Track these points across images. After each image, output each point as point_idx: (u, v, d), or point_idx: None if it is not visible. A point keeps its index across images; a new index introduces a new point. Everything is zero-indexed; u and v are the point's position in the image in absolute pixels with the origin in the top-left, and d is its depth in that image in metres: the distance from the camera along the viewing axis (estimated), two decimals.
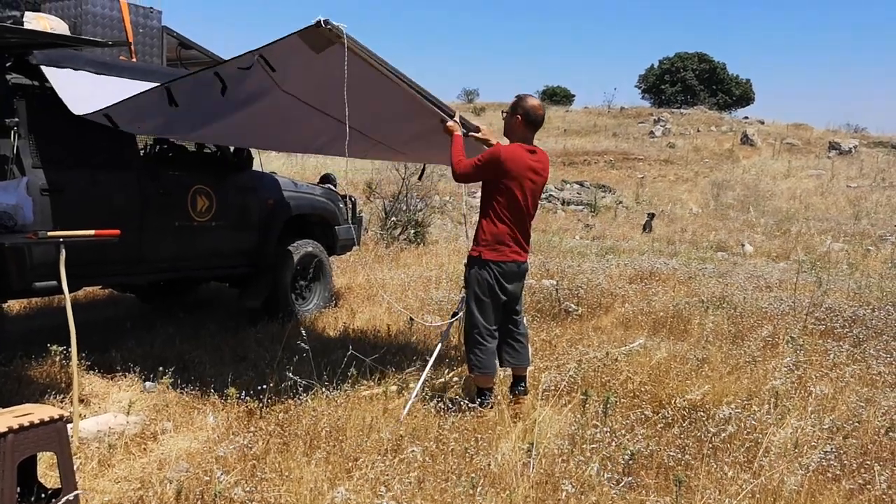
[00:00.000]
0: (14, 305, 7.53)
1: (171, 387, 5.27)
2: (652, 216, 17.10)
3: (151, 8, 6.38)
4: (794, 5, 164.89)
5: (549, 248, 12.37)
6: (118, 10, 6.10)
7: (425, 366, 5.67)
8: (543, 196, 16.84)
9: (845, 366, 5.95)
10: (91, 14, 5.90)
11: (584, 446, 4.29)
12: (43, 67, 5.38)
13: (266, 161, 17.56)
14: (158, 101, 4.93)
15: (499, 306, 5.06)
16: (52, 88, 5.44)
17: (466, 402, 4.92)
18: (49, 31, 5.51)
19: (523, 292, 5.41)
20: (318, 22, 4.17)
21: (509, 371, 5.41)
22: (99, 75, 5.63)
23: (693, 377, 5.62)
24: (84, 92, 5.38)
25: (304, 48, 4.42)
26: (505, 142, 5.07)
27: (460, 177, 5.01)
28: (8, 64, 5.40)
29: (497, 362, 5.17)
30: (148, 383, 5.46)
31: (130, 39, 6.18)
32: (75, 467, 3.79)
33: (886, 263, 12.33)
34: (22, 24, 5.22)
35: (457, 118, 5.24)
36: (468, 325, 5.09)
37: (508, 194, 4.88)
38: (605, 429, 4.57)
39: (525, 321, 5.57)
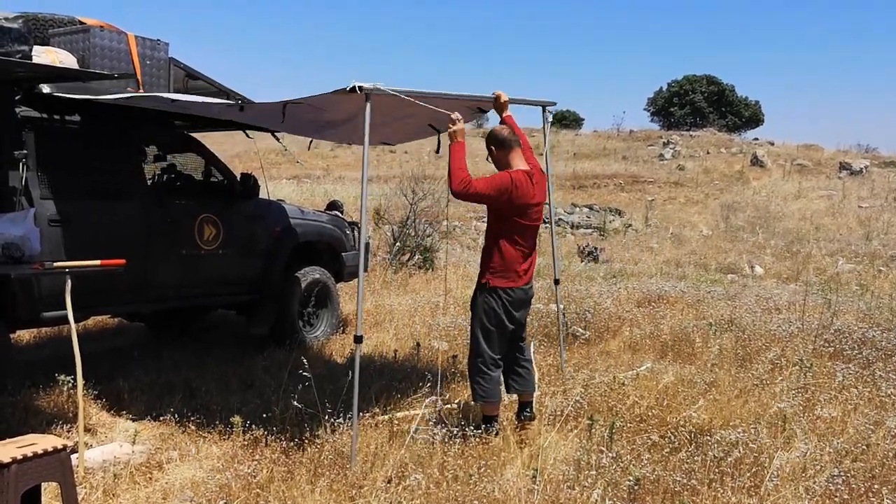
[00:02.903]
0: (23, 335, 7.58)
1: (177, 415, 5.29)
2: (596, 249, 15.19)
3: (158, 40, 6.46)
4: (801, 27, 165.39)
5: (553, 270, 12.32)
6: (125, 42, 6.18)
7: (431, 392, 5.68)
8: (554, 219, 16.81)
9: (854, 388, 5.91)
10: (99, 47, 5.98)
11: (590, 472, 4.28)
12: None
13: (276, 188, 17.69)
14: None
15: (505, 335, 5.03)
16: (60, 120, 5.53)
17: (471, 429, 4.91)
18: (58, 64, 5.61)
19: (525, 319, 5.38)
20: (354, 87, 4.47)
21: (514, 396, 5.39)
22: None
23: (700, 401, 5.59)
24: None
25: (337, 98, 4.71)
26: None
27: (462, 195, 4.81)
28: (17, 97, 5.49)
29: (502, 389, 5.16)
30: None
31: (138, 71, 6.26)
32: (80, 497, 3.81)
33: None
34: (31, 57, 5.31)
35: (456, 116, 4.96)
36: (473, 354, 5.07)
37: (517, 220, 4.89)
38: (610, 454, 4.56)
39: (531, 347, 5.56)
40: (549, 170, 6.77)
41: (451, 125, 4.92)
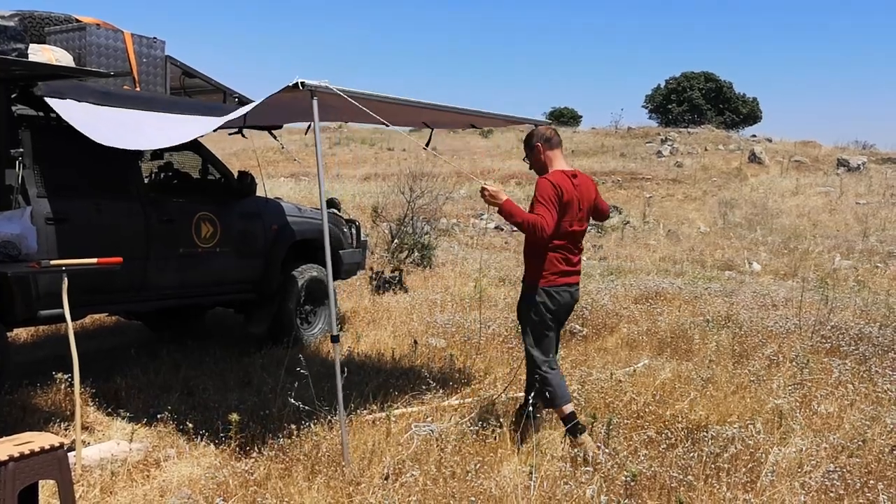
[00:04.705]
0: (21, 334, 7.59)
1: (174, 413, 5.29)
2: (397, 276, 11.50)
3: (155, 38, 6.45)
4: (799, 24, 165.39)
5: None
6: (122, 40, 6.17)
7: (428, 390, 5.69)
8: None
9: (850, 384, 5.92)
10: (95, 45, 5.97)
11: (586, 468, 4.29)
12: (49, 100, 5.44)
13: (274, 186, 17.69)
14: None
15: (556, 333, 4.94)
16: (56, 119, 5.52)
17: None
18: (54, 62, 5.60)
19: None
20: (296, 84, 4.36)
21: (518, 396, 5.39)
22: (100, 106, 5.69)
23: (697, 397, 5.60)
24: (106, 124, 5.49)
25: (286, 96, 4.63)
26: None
27: (548, 230, 4.53)
28: (13, 95, 5.49)
29: (566, 385, 4.95)
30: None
31: (134, 69, 6.25)
32: (77, 495, 3.82)
33: (895, 280, 12.27)
34: (27, 55, 5.30)
35: (489, 185, 4.73)
36: (531, 365, 4.88)
37: (562, 219, 4.67)
38: (607, 450, 4.57)
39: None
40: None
41: (485, 197, 4.67)
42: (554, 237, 4.64)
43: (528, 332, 4.87)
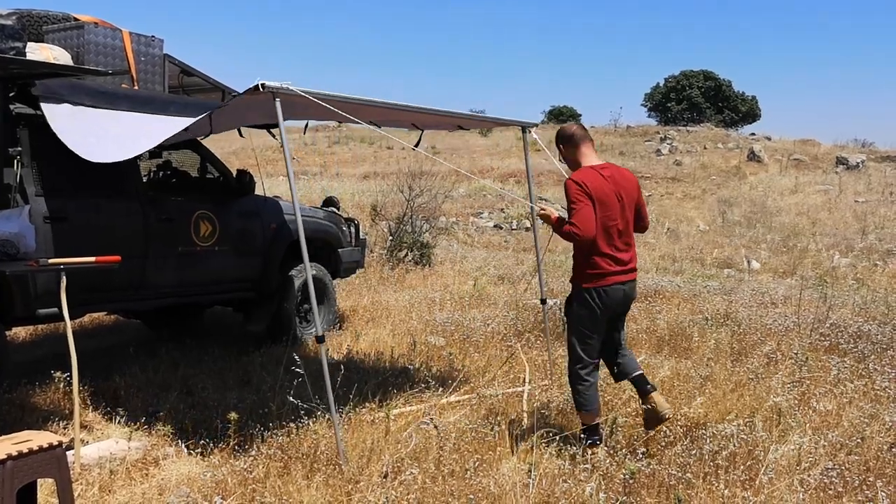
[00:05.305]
0: (20, 333, 7.59)
1: (173, 412, 5.29)
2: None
3: (153, 36, 6.45)
4: (798, 22, 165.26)
5: (553, 267, 12.37)
6: (120, 39, 6.17)
7: (427, 388, 5.69)
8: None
9: (849, 382, 5.92)
10: (93, 44, 5.97)
11: (585, 466, 4.30)
12: (42, 104, 5.44)
13: (273, 185, 17.68)
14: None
15: (601, 336, 4.81)
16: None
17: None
18: (52, 61, 5.60)
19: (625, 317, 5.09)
20: (258, 86, 4.36)
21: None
22: (97, 109, 5.70)
23: (696, 395, 5.60)
24: (85, 132, 5.48)
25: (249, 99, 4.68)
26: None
27: (585, 231, 4.48)
28: (11, 94, 5.48)
29: (598, 397, 4.90)
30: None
31: (132, 68, 6.25)
32: (76, 494, 3.82)
33: (894, 278, 12.28)
34: (25, 54, 5.30)
35: (544, 205, 4.79)
36: (570, 361, 4.86)
37: (599, 218, 4.54)
38: (605, 448, 4.57)
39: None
40: (531, 193, 6.78)
41: (539, 216, 4.83)
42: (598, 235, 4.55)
43: (571, 331, 4.85)
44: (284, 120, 4.62)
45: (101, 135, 5.50)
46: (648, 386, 4.82)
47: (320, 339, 4.62)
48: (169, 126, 5.49)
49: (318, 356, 7.01)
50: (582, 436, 4.73)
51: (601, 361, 4.92)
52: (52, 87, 5.56)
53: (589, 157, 4.77)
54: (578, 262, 4.71)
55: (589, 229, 4.48)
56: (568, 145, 4.82)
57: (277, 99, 4.44)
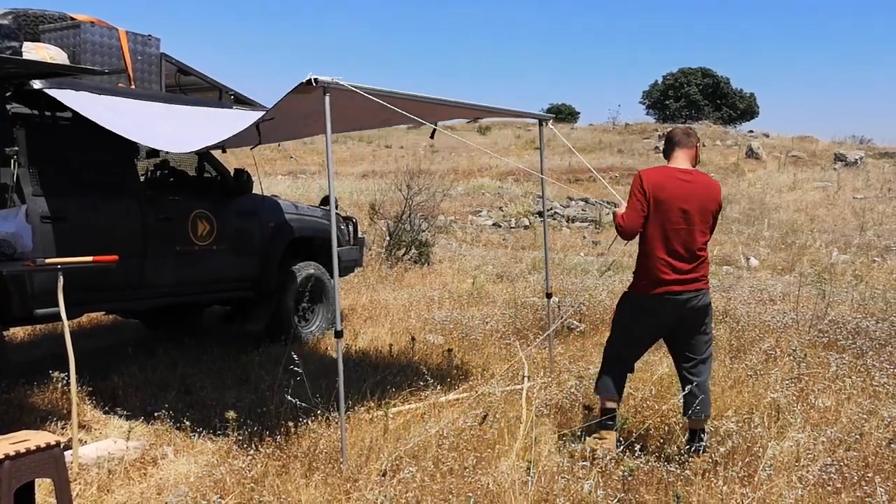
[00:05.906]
0: (18, 333, 7.57)
1: (171, 411, 5.29)
2: None
3: (150, 35, 6.43)
4: (796, 19, 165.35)
5: (552, 265, 12.35)
6: (117, 38, 6.15)
7: (426, 386, 5.69)
8: (548, 213, 16.67)
9: (847, 378, 5.92)
10: (90, 43, 5.95)
11: (584, 463, 4.29)
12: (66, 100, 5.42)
13: (271, 184, 17.67)
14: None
15: (643, 341, 4.79)
16: (51, 117, 5.51)
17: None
18: (48, 60, 5.58)
19: (701, 334, 4.70)
20: (309, 81, 4.32)
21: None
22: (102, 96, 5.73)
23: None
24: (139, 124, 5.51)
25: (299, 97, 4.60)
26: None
27: (624, 223, 4.47)
28: (7, 94, 5.47)
29: (616, 388, 4.77)
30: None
31: (129, 67, 6.23)
32: (74, 493, 3.81)
33: (892, 274, 12.27)
34: (21, 54, 5.29)
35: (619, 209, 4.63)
36: (607, 343, 4.91)
37: (659, 220, 4.43)
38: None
39: (707, 370, 4.77)
40: (543, 184, 6.81)
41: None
42: (648, 236, 4.46)
43: (614, 329, 4.85)
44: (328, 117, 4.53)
45: (158, 126, 5.51)
46: (698, 444, 4.55)
47: (338, 334, 4.63)
48: (229, 124, 5.48)
49: (316, 354, 7.05)
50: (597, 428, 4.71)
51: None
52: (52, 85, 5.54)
53: (677, 161, 4.63)
54: (636, 265, 4.63)
55: (632, 223, 4.44)
56: (667, 145, 4.73)
57: (327, 94, 4.39)
